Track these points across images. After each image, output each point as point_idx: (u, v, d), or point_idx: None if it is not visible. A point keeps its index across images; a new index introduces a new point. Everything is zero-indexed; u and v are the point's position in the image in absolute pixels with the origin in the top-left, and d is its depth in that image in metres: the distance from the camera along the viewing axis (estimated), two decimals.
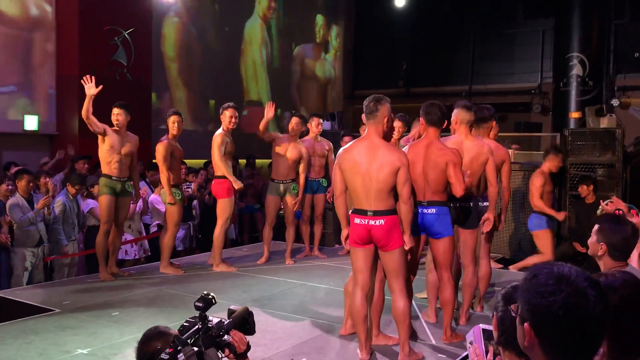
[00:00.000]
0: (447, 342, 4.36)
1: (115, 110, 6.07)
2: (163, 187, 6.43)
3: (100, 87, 5.77)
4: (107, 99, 8.96)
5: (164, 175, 6.23)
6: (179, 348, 2.11)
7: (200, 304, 2.26)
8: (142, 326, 4.53)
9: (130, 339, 4.28)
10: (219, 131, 6.41)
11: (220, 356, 2.23)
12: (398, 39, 15.19)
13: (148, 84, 10.06)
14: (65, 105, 9.13)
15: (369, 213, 3.82)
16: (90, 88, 5.74)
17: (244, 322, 2.36)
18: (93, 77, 5.80)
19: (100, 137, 5.98)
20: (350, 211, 3.98)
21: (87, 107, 5.74)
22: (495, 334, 1.63)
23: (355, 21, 16.38)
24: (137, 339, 4.44)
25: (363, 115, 3.98)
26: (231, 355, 2.30)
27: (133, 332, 4.41)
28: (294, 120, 6.86)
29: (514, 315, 1.36)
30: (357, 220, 3.87)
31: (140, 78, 9.81)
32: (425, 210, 4.28)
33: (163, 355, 2.09)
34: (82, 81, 5.80)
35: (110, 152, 6.00)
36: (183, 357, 2.10)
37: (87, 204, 6.94)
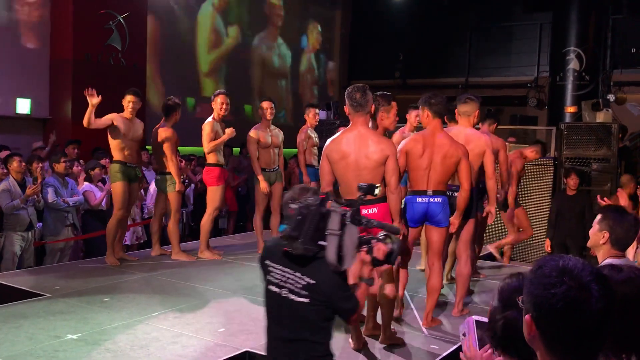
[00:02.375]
0: (427, 327, 4.46)
1: (133, 98, 6.06)
2: (159, 174, 6.45)
3: (100, 98, 5.76)
4: (101, 84, 8.92)
5: (173, 163, 6.28)
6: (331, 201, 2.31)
7: (364, 186, 2.45)
8: (133, 312, 4.52)
9: (120, 325, 4.25)
10: (209, 119, 6.37)
11: (356, 242, 2.31)
12: (395, 30, 15.10)
13: (142, 69, 9.96)
14: (59, 89, 9.04)
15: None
16: (93, 98, 5.74)
17: (391, 247, 2.37)
18: (94, 90, 5.78)
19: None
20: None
21: (87, 117, 5.76)
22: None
23: (353, 11, 16.28)
24: (127, 325, 4.42)
25: (346, 107, 3.91)
26: (366, 255, 2.37)
27: (124, 318, 4.38)
28: (267, 104, 6.64)
29: (520, 306, 1.33)
30: None
31: (135, 64, 9.72)
32: (431, 199, 4.37)
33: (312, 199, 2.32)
34: (85, 92, 5.77)
35: (123, 139, 6.02)
36: (333, 210, 2.28)
37: (83, 187, 6.89)
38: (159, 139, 6.26)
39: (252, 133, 6.60)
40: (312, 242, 2.28)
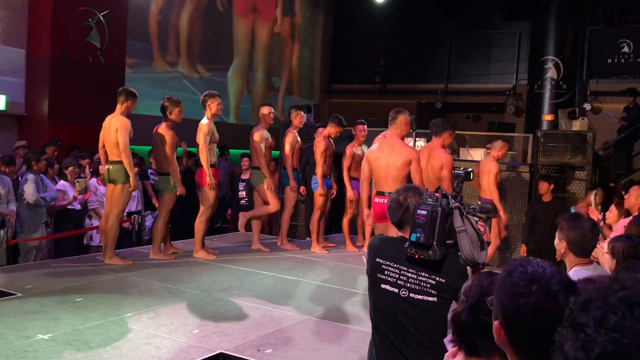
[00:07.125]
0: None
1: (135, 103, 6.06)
2: (157, 175, 6.45)
3: None
4: (79, 81, 8.84)
5: (174, 166, 6.28)
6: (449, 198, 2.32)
7: (461, 174, 2.54)
8: (107, 312, 4.46)
9: (93, 325, 4.19)
10: (205, 120, 6.34)
11: (474, 232, 2.30)
12: (377, 35, 15.18)
13: (121, 67, 9.86)
14: (35, 86, 8.90)
15: (386, 194, 5.03)
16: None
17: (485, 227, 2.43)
18: None
19: (128, 133, 5.88)
20: (374, 193, 5.31)
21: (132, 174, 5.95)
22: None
23: (335, 15, 16.31)
24: (101, 325, 4.35)
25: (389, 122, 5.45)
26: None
27: (97, 319, 4.32)
28: (269, 109, 6.85)
29: (490, 307, 1.35)
30: (377, 200, 5.23)
31: (114, 62, 9.61)
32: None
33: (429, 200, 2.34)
34: None
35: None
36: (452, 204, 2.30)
37: (58, 185, 6.78)
38: (157, 140, 6.25)
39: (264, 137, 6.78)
40: (443, 245, 2.29)
